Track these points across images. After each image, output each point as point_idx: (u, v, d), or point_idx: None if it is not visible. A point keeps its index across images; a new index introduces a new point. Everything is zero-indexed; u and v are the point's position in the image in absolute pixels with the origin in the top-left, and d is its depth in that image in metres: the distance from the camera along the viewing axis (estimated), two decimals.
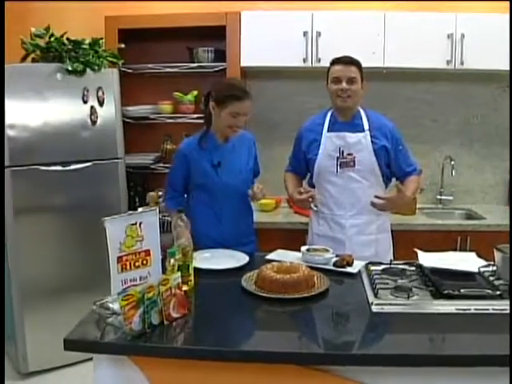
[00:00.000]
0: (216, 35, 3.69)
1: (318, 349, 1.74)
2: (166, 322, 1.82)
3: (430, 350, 1.70)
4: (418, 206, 3.81)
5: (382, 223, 2.92)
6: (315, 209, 2.92)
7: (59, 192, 3.41)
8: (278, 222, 3.59)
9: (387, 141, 2.83)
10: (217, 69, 3.78)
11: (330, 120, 2.88)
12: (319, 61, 3.60)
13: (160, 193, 3.81)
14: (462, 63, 3.61)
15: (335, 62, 2.81)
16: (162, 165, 3.97)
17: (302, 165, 2.99)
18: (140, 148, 4.08)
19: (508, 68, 3.64)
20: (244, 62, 3.69)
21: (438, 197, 4.10)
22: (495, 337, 1.76)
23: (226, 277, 2.30)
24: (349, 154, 2.80)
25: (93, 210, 3.39)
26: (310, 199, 2.72)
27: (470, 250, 3.33)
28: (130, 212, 2.02)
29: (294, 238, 3.27)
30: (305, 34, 3.60)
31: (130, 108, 3.90)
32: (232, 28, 3.68)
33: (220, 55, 3.80)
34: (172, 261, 2.10)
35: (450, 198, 4.10)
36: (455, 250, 3.40)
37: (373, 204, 2.75)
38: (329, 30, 3.59)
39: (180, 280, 1.94)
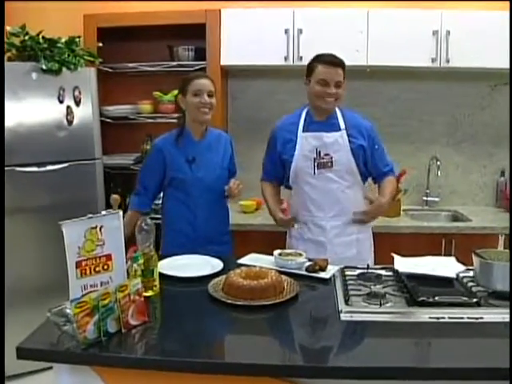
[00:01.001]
0: (197, 33, 3.61)
1: (280, 360, 1.65)
2: (124, 330, 1.74)
3: (397, 362, 1.60)
4: (403, 207, 3.73)
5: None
6: (296, 227, 2.86)
7: (35, 193, 3.35)
8: (257, 223, 3.50)
9: (364, 140, 2.75)
10: (197, 67, 3.69)
11: (305, 119, 2.80)
12: (301, 59, 3.51)
13: None
14: (447, 61, 3.53)
15: (322, 62, 2.69)
16: (141, 165, 3.86)
17: (278, 168, 2.90)
18: (120, 148, 4.01)
19: (495, 66, 3.58)
20: (224, 61, 3.62)
21: (424, 198, 4.02)
22: (468, 347, 1.68)
23: (196, 282, 2.20)
24: (326, 155, 2.73)
25: (69, 211, 3.21)
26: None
27: (455, 253, 3.30)
28: (90, 215, 1.93)
29: (275, 240, 3.18)
30: (286, 31, 3.52)
31: (109, 108, 3.84)
32: (212, 26, 3.60)
33: (201, 54, 3.73)
34: (135, 266, 2.05)
35: (437, 199, 4.01)
36: (440, 253, 3.32)
37: (354, 220, 2.73)
38: (310, 27, 3.51)
39: (140, 286, 1.86)
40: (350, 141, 2.73)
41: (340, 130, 2.74)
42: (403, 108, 3.99)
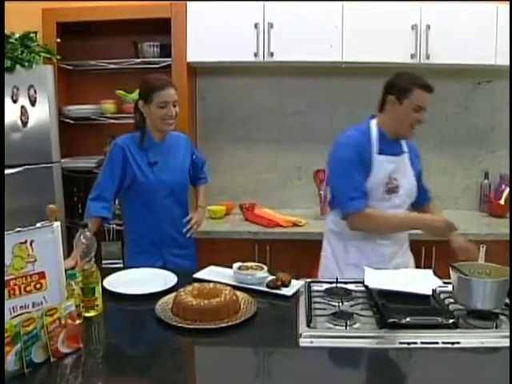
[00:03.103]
0: (162, 28, 3.41)
1: None
2: (53, 359, 1.54)
3: None
4: None
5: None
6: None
7: None
8: (225, 231, 3.27)
9: (418, 163, 2.68)
10: (162, 64, 3.49)
11: (378, 139, 2.50)
12: (272, 55, 3.31)
13: None
14: (427, 57, 3.33)
15: (420, 85, 2.42)
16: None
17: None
18: (82, 151, 3.80)
19: (479, 62, 3.40)
20: (190, 57, 3.40)
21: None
22: (441, 380, 1.46)
23: (146, 300, 1.98)
24: (394, 179, 2.50)
25: (25, 220, 3.03)
26: None
27: (435, 263, 3.11)
28: (19, 229, 1.72)
29: (243, 249, 3.00)
30: (256, 25, 3.30)
31: (70, 108, 3.63)
32: (177, 20, 3.39)
33: (166, 50, 3.52)
34: (73, 284, 1.83)
35: None
36: (419, 262, 3.11)
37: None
38: (282, 21, 3.30)
39: (74, 308, 1.66)
40: (411, 164, 2.61)
41: (403, 152, 2.58)
42: None
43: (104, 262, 3.56)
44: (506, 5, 3.26)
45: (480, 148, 3.86)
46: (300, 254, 3.14)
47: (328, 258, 2.65)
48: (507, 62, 3.33)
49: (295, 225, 3.35)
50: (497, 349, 1.62)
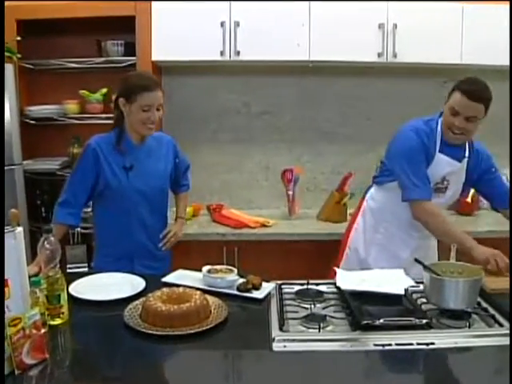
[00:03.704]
0: (126, 27, 3.31)
1: None
2: (17, 372, 1.46)
3: None
4: (349, 211, 3.50)
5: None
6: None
7: None
8: (193, 233, 3.20)
9: (487, 165, 2.63)
10: (126, 63, 3.40)
11: (441, 138, 2.52)
12: (238, 54, 3.26)
13: None
14: (394, 56, 3.33)
15: (463, 91, 2.38)
16: (69, 170, 3.55)
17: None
18: (45, 152, 3.68)
19: (446, 61, 3.42)
20: (155, 56, 3.32)
21: None
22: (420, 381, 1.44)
23: (113, 306, 1.91)
24: (446, 180, 2.54)
25: None
26: None
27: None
28: None
29: (211, 250, 2.95)
30: (222, 24, 3.25)
31: (32, 108, 3.51)
32: (142, 18, 3.31)
33: (131, 49, 3.43)
34: (37, 292, 1.75)
35: None
36: None
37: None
38: (248, 19, 3.25)
39: (38, 317, 1.58)
40: (467, 171, 2.59)
41: (464, 157, 2.56)
42: (348, 106, 3.77)
43: (69, 266, 3.47)
44: (472, 4, 3.28)
45: None
46: (269, 254, 3.11)
47: (358, 232, 2.75)
48: (473, 61, 3.37)
49: (263, 225, 3.31)
50: (470, 348, 1.62)
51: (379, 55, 3.33)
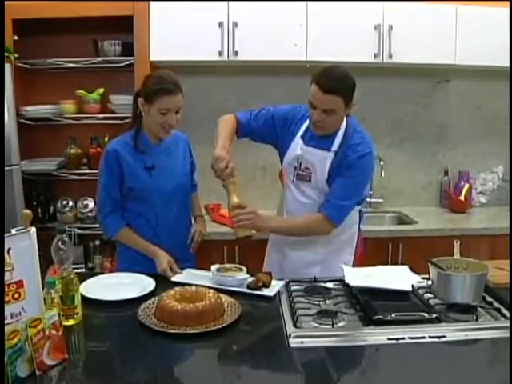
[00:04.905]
0: (124, 27, 3.32)
1: None
2: (38, 373, 1.47)
3: None
4: None
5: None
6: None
7: None
8: None
9: (340, 167, 2.38)
10: (124, 63, 3.41)
11: (306, 127, 2.46)
12: (236, 54, 3.28)
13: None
14: (390, 56, 3.37)
15: (316, 82, 2.26)
16: (66, 171, 3.57)
17: (264, 127, 2.57)
18: (42, 153, 3.66)
19: (439, 62, 3.47)
20: (154, 56, 3.32)
21: (368, 199, 3.85)
22: (438, 373, 1.48)
23: (125, 306, 1.93)
24: (306, 168, 2.44)
25: None
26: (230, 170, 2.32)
27: (402, 258, 3.16)
28: None
29: (212, 249, 2.97)
30: (220, 24, 3.26)
31: (28, 108, 3.48)
32: (140, 18, 3.31)
33: (128, 48, 3.42)
34: (52, 293, 1.76)
35: (381, 200, 3.87)
36: (386, 257, 3.16)
37: None
38: (246, 20, 3.27)
39: (57, 318, 1.59)
40: (332, 163, 2.39)
41: (330, 151, 2.38)
42: None
43: None
44: (466, 6, 3.34)
45: (439, 145, 3.94)
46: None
47: None
48: (466, 62, 3.43)
49: None
50: (480, 340, 1.67)
51: (375, 56, 3.37)
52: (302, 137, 2.45)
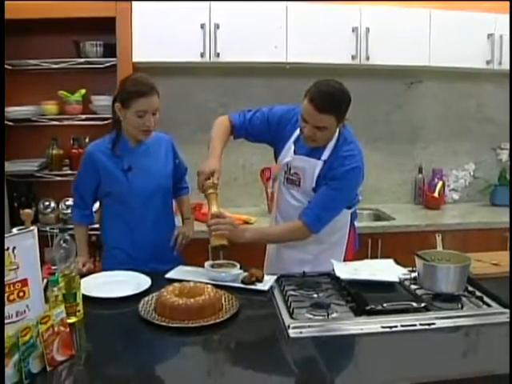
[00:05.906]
0: (106, 28, 3.32)
1: None
2: (49, 368, 1.50)
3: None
4: None
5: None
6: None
7: None
8: None
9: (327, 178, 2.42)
10: (106, 64, 3.42)
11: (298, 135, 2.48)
12: (218, 55, 3.33)
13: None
14: (367, 58, 3.48)
15: (309, 100, 2.27)
16: (48, 172, 3.56)
17: (261, 130, 2.58)
18: (23, 154, 3.63)
19: (413, 63, 3.60)
20: (136, 57, 3.35)
21: None
22: (429, 357, 1.58)
23: (124, 303, 1.97)
24: (295, 173, 2.51)
25: None
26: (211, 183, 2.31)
27: (381, 253, 3.27)
28: None
29: (196, 248, 2.99)
30: (202, 26, 3.31)
31: (9, 109, 3.46)
32: (122, 19, 3.32)
33: (110, 50, 3.44)
34: (55, 290, 1.78)
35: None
36: (366, 253, 3.26)
37: None
38: (228, 22, 3.33)
39: (64, 315, 1.63)
40: (320, 171, 2.42)
41: (319, 159, 2.42)
42: None
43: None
44: (439, 9, 3.47)
45: (413, 144, 4.07)
46: (252, 251, 3.18)
47: None
48: (439, 64, 3.56)
49: (246, 222, 3.40)
50: (467, 326, 1.78)
51: (353, 57, 3.47)
52: (295, 142, 2.50)
